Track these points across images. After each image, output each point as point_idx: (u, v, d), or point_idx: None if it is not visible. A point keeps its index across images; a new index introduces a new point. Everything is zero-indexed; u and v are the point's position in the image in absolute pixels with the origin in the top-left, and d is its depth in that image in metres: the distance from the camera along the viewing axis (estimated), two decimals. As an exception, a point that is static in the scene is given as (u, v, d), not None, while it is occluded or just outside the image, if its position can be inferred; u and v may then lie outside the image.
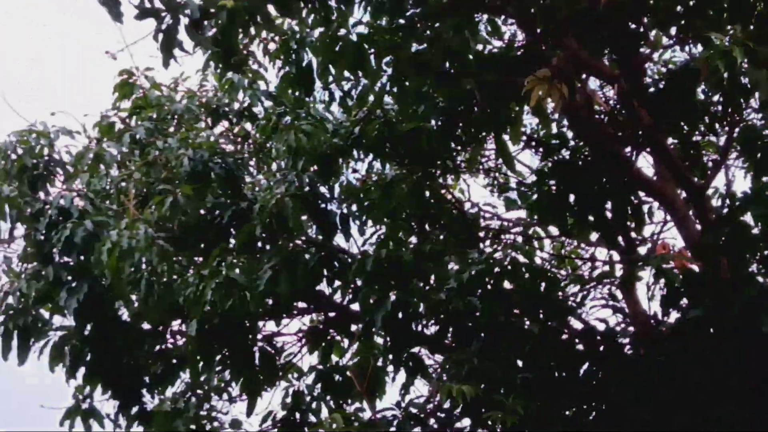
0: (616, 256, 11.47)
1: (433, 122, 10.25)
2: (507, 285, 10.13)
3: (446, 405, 10.09)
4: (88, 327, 10.47)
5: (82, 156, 10.59)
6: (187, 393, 10.90)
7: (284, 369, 11.01)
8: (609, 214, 10.52)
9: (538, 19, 9.37)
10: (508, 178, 11.86)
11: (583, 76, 10.10)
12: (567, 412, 9.80)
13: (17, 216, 10.25)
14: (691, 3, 9.52)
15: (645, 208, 10.83)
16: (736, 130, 10.65)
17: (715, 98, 10.22)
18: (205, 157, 9.96)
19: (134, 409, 10.86)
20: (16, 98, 10.49)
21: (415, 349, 10.40)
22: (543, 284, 10.25)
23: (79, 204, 10.22)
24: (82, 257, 10.06)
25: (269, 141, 10.41)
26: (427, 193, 10.55)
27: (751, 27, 8.94)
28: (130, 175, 10.25)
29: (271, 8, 8.45)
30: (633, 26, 9.89)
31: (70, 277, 10.16)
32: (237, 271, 9.60)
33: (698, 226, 10.19)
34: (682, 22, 9.79)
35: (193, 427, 10.46)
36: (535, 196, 10.78)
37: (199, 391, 10.92)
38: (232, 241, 10.22)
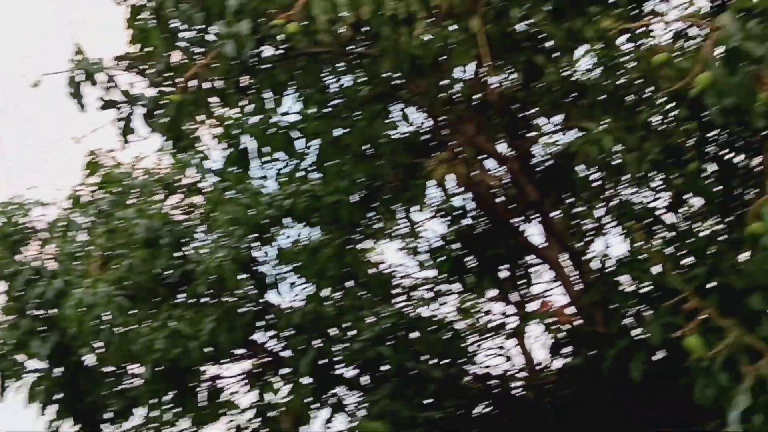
0: (509, 310, 11.88)
1: (352, 196, 10.51)
2: (415, 335, 10.57)
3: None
4: (58, 370, 10.90)
5: (54, 224, 11.13)
6: (141, 427, 11.20)
7: (226, 406, 11.31)
8: (503, 274, 11.14)
9: (442, 108, 9.85)
10: (419, 242, 12.07)
11: (480, 157, 10.39)
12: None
13: (-2, 275, 10.62)
14: (570, 96, 10.34)
15: (534, 269, 11.32)
16: (612, 202, 10.97)
17: (594, 175, 10.38)
18: (157, 226, 10.32)
19: (97, 440, 11.03)
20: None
21: (336, 390, 10.82)
22: (445, 334, 10.95)
23: (50, 265, 10.60)
24: (52, 311, 10.45)
25: (214, 211, 10.64)
26: (348, 256, 10.91)
27: (622, 117, 9.46)
28: (94, 241, 10.57)
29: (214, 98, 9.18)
30: (521, 115, 10.71)
31: (42, 328, 10.58)
32: (183, 323, 9.93)
33: (579, 286, 10.38)
34: (563, 112, 10.63)
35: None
36: (441, 258, 11.16)
37: (151, 426, 11.22)
38: (180, 297, 10.50)
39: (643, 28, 8.99)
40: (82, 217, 11.28)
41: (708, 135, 9.73)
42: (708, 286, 8.34)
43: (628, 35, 9.49)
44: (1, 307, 11.21)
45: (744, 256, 8.19)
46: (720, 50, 3.97)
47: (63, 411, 11.25)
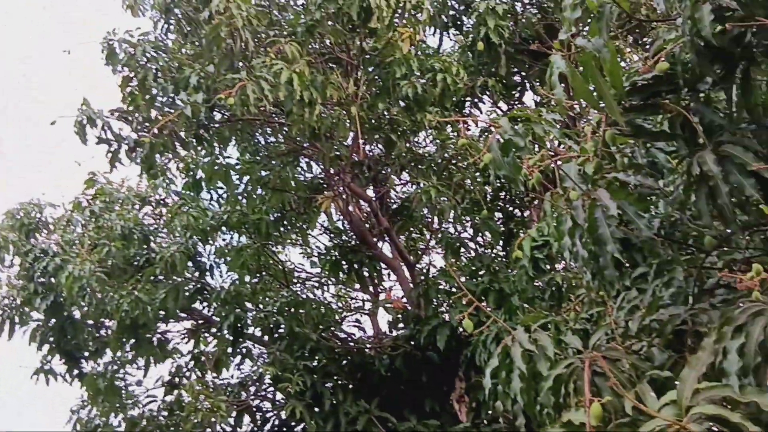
0: (367, 297, 12.07)
1: (270, 216, 10.55)
2: (303, 310, 10.64)
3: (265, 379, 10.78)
4: (52, 321, 10.67)
5: (59, 220, 10.95)
6: (110, 364, 10.99)
7: (171, 352, 11.16)
8: (366, 273, 11.40)
9: (330, 162, 9.91)
10: (313, 249, 12.19)
11: (353, 197, 10.44)
12: (330, 384, 10.06)
13: (16, 252, 10.46)
14: (413, 162, 10.64)
15: (385, 272, 11.50)
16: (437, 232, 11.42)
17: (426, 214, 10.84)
18: (132, 226, 10.20)
19: (76, 372, 10.96)
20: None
21: (247, 344, 10.82)
22: (323, 311, 11.03)
23: (54, 248, 10.41)
24: (52, 279, 10.21)
25: (173, 220, 10.49)
26: (263, 255, 10.81)
27: (444, 178, 10.07)
28: (86, 234, 10.41)
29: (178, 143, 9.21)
30: (382, 172, 10.95)
31: (43, 291, 10.32)
32: (143, 293, 9.77)
33: (411, 285, 10.66)
34: (408, 172, 10.94)
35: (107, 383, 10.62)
36: (325, 261, 11.15)
37: (117, 363, 11.03)
38: (143, 275, 10.27)
39: (461, 124, 9.25)
40: (80, 217, 11.01)
41: (496, 193, 10.15)
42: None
43: (450, 127, 9.83)
44: (15, 275, 10.87)
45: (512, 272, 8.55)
46: (498, 140, 4.13)
47: (53, 350, 10.98)
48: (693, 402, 2.72)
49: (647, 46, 8.91)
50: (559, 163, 3.97)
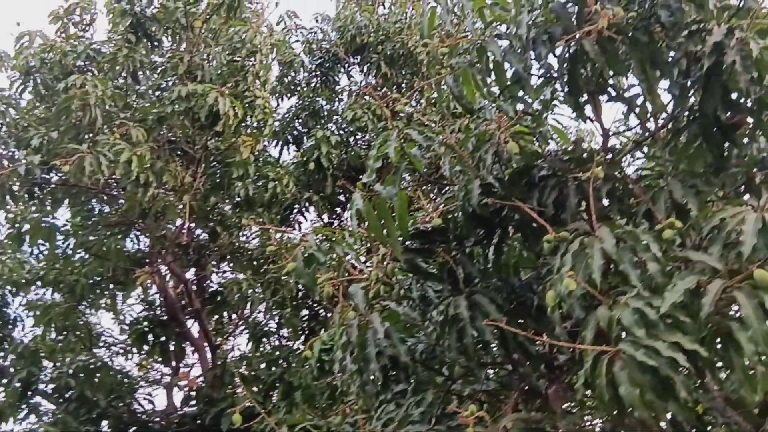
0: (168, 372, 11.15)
1: (88, 279, 9.80)
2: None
3: None
4: None
5: None
6: None
7: None
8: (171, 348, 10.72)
9: (155, 241, 9.55)
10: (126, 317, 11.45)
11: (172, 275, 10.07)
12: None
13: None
14: (232, 255, 10.42)
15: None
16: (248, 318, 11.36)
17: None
18: None
19: None
20: None
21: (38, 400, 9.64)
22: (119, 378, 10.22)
23: None
24: None
25: None
26: (72, 315, 10.03)
27: (257, 272, 9.93)
28: None
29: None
30: (204, 257, 10.63)
31: None
32: None
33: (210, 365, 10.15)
34: (226, 261, 10.70)
35: None
36: (135, 329, 10.26)
37: None
38: None
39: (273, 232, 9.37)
40: None
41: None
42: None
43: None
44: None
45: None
46: (303, 252, 4.15)
47: None
48: None
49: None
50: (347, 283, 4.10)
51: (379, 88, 10.32)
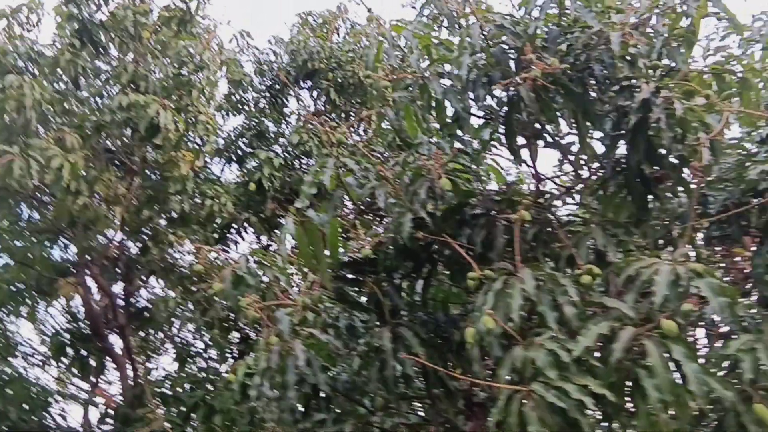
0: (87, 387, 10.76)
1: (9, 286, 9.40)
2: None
3: None
4: None
5: None
6: None
7: None
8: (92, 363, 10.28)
9: (83, 251, 9.19)
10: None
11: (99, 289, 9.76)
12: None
13: None
14: (163, 271, 10.15)
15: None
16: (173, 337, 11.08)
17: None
18: None
19: None
20: None
21: None
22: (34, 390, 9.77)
23: None
24: None
25: None
26: None
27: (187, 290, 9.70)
28: None
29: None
30: (134, 272, 10.33)
31: None
32: None
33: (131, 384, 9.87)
34: (156, 277, 10.41)
35: None
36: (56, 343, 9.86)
37: None
38: None
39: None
40: None
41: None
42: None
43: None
44: None
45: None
46: (233, 274, 4.08)
47: None
48: None
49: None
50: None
51: (326, 115, 10.36)
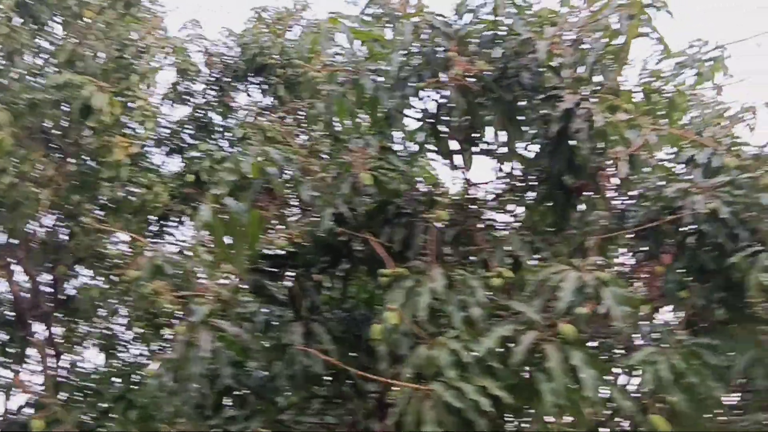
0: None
1: None
2: None
3: None
4: None
5: None
6: None
7: None
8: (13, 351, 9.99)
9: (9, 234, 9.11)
10: None
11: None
12: None
13: None
14: (91, 259, 9.83)
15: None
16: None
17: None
18: None
19: None
20: None
21: None
22: None
23: None
24: None
25: None
26: None
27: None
28: None
29: None
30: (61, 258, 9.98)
31: None
32: None
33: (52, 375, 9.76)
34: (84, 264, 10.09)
35: None
36: None
37: None
38: None
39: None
40: None
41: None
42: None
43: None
44: None
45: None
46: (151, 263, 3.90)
47: None
48: None
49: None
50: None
51: (272, 111, 10.22)
